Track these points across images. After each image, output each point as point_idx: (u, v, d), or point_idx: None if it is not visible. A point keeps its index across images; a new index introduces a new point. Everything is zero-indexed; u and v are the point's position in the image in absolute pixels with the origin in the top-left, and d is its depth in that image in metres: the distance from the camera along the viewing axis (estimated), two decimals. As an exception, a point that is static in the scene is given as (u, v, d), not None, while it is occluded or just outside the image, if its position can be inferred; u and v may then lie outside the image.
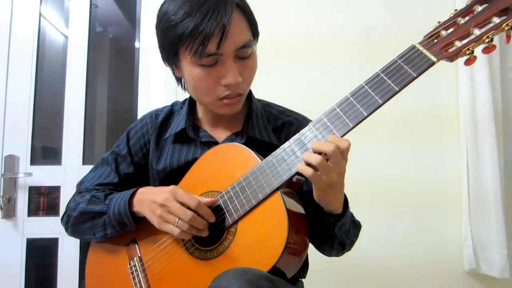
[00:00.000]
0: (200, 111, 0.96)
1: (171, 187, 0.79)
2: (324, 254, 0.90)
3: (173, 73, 0.90)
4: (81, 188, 0.98)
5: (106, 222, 0.87)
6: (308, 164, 0.69)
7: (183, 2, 0.76)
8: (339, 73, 1.64)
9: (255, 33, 0.84)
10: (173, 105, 1.03)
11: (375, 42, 1.64)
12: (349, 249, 0.88)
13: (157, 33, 0.85)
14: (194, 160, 0.88)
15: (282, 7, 1.69)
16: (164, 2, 0.82)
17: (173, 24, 0.77)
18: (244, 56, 0.81)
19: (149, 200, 0.81)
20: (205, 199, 0.78)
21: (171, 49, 0.81)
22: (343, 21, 1.69)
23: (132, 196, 0.86)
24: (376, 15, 1.69)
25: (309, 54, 1.67)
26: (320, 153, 0.68)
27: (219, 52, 0.76)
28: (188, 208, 0.75)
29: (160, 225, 0.79)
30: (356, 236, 0.88)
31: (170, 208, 0.76)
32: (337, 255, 0.89)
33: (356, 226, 0.88)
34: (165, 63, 0.89)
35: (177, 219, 0.75)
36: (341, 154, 0.69)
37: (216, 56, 0.77)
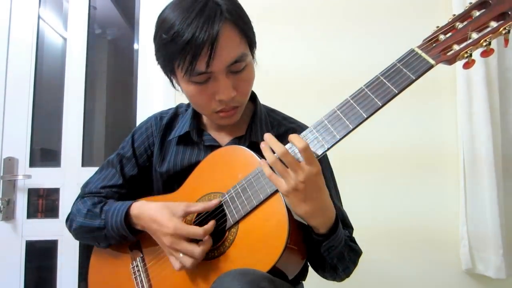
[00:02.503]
0: (204, 116, 0.97)
1: (172, 224, 0.76)
2: (321, 276, 0.86)
3: (172, 84, 0.90)
4: (86, 190, 0.98)
5: (107, 235, 0.88)
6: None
7: (174, 19, 0.76)
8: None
9: (251, 43, 0.82)
10: (177, 107, 1.03)
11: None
12: (346, 274, 0.82)
13: (154, 45, 0.84)
14: (197, 163, 0.89)
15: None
16: (165, 9, 0.81)
17: (165, 42, 0.77)
18: (238, 70, 0.80)
19: (158, 231, 0.79)
20: (211, 203, 0.78)
21: (166, 65, 0.82)
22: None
23: (128, 214, 0.85)
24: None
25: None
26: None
27: (209, 70, 0.76)
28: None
29: (167, 255, 0.80)
30: (353, 262, 0.82)
31: (181, 249, 0.75)
32: (335, 279, 0.83)
33: (353, 252, 0.82)
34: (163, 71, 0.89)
35: (180, 255, 0.75)
36: (303, 155, 0.66)
37: (207, 74, 0.77)
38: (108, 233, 0.87)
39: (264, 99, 1.01)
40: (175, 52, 0.75)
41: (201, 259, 0.75)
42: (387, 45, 1.63)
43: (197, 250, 0.74)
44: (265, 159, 0.71)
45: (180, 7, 0.77)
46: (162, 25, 0.79)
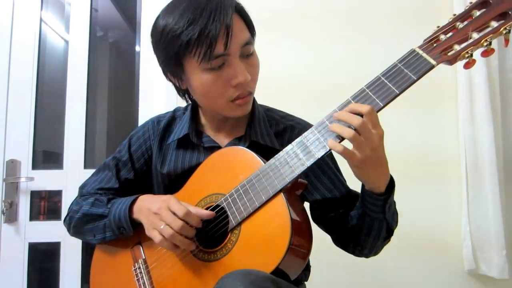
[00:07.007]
0: (203, 117, 0.97)
1: (167, 196, 0.80)
2: (363, 253, 0.87)
3: (177, 86, 0.91)
4: (83, 191, 0.99)
5: (106, 225, 0.89)
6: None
7: (183, 11, 0.78)
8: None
9: (252, 33, 0.87)
10: (175, 111, 1.04)
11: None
12: (389, 238, 0.85)
13: (157, 49, 0.85)
14: (197, 165, 0.89)
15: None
16: (158, 18, 0.84)
17: (178, 33, 0.78)
18: (248, 54, 0.84)
19: (147, 208, 0.82)
20: (203, 212, 0.78)
21: (175, 61, 0.82)
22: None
23: (133, 202, 0.87)
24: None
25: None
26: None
27: (226, 52, 0.78)
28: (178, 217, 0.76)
29: (148, 232, 0.80)
30: (397, 223, 0.85)
31: (162, 217, 0.77)
32: (377, 249, 0.86)
33: (396, 212, 0.85)
34: (167, 77, 0.90)
35: (162, 226, 0.76)
36: (369, 121, 0.67)
37: (223, 57, 0.79)
38: (108, 222, 0.88)
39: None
40: (192, 39, 0.77)
41: (180, 231, 0.75)
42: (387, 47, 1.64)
43: (178, 221, 0.75)
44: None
45: (179, 8, 0.79)
46: (168, 21, 0.80)
